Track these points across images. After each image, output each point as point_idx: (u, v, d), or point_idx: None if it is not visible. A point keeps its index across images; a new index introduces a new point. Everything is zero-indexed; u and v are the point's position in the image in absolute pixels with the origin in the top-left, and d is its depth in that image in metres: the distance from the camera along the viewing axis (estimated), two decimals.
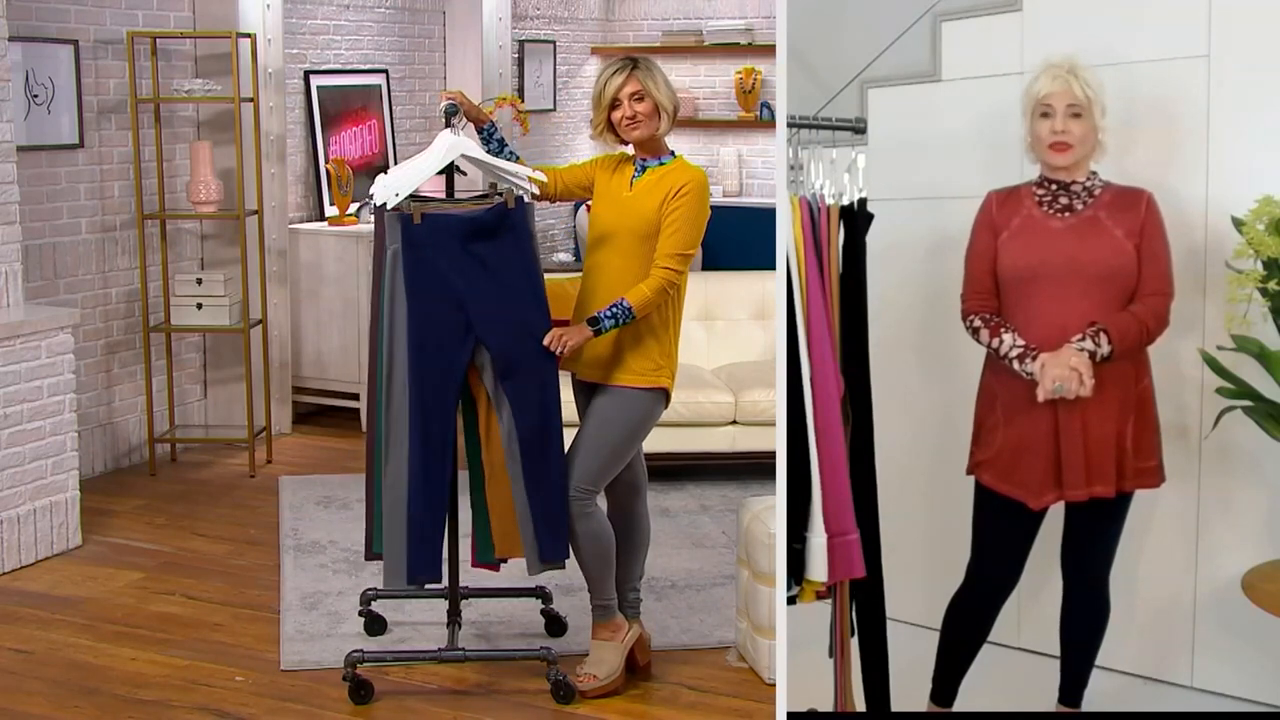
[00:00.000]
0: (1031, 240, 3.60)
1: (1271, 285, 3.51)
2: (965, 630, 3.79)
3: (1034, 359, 3.53)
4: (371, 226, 7.04)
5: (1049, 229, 3.60)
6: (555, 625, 4.68)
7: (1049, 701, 3.84)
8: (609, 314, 4.02)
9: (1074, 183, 3.62)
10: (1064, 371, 3.48)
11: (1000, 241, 3.63)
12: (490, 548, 4.28)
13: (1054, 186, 3.63)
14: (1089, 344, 3.50)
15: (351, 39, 7.88)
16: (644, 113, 4.08)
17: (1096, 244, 3.55)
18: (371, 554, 4.34)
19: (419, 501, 4.06)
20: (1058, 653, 3.88)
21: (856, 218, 3.51)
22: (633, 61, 4.11)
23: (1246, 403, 3.62)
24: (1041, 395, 3.51)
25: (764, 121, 9.73)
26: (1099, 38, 3.78)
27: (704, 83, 9.99)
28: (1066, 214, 3.61)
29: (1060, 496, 3.62)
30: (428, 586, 4.21)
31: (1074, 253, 3.56)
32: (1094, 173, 3.63)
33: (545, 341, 4.04)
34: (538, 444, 4.07)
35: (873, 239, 3.51)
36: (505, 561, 4.30)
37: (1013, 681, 4.03)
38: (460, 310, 4.06)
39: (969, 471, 3.74)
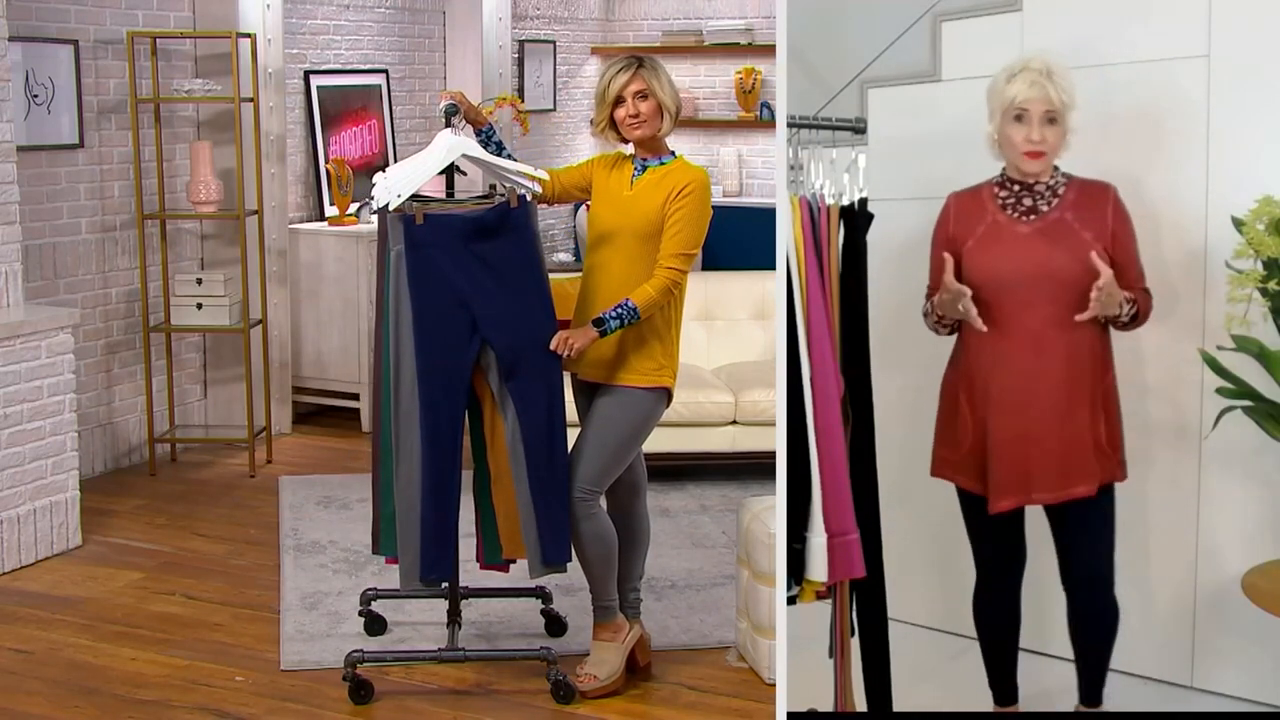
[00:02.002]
0: (1000, 249, 3.57)
1: (1271, 285, 3.50)
2: (994, 623, 3.78)
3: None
4: (371, 226, 7.10)
5: (1016, 235, 3.57)
6: (555, 625, 4.68)
7: (1049, 701, 3.84)
8: (614, 315, 4.01)
9: (1038, 182, 3.60)
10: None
11: (966, 250, 3.60)
12: (498, 549, 4.29)
13: (1017, 187, 3.61)
14: (1126, 307, 3.50)
15: (351, 39, 7.88)
16: (647, 112, 4.08)
17: (1067, 252, 3.52)
18: (378, 551, 4.36)
19: (429, 502, 4.07)
20: (1056, 653, 3.88)
21: (856, 218, 3.51)
22: (638, 60, 4.11)
23: (1246, 403, 3.62)
24: None
25: (764, 121, 9.73)
26: (1098, 38, 3.78)
27: (704, 83, 9.99)
28: (1031, 216, 3.58)
29: (1028, 500, 3.61)
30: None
31: (1044, 260, 3.53)
32: (1055, 168, 3.60)
33: (551, 345, 4.04)
34: (543, 445, 4.08)
35: (873, 239, 3.51)
36: (514, 562, 4.31)
37: None
38: (465, 310, 4.06)
39: (934, 473, 3.75)
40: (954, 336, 3.73)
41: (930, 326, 3.72)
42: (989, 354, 3.61)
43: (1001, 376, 3.59)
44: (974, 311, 3.52)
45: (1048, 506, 3.63)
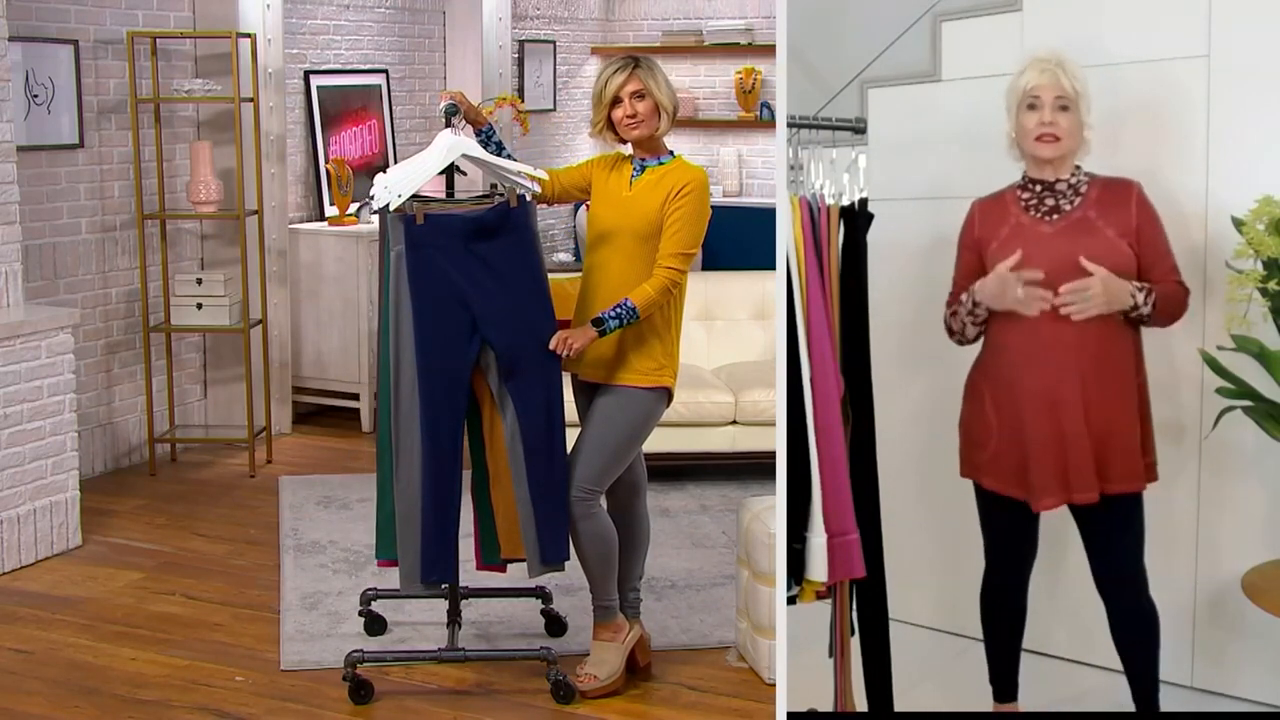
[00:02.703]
0: (1025, 250, 3.56)
1: (1271, 285, 3.50)
2: (1000, 616, 3.78)
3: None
4: (371, 226, 7.10)
5: (1040, 235, 3.57)
6: (555, 625, 4.68)
7: (1048, 702, 3.84)
8: (613, 314, 4.01)
9: (1059, 181, 3.60)
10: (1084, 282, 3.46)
11: (990, 252, 3.60)
12: (496, 550, 4.29)
13: (1039, 188, 3.61)
14: (1140, 296, 3.49)
15: (351, 39, 7.88)
16: (644, 112, 4.08)
17: (1092, 250, 3.52)
18: (379, 556, 4.36)
19: (429, 502, 4.07)
20: (1055, 653, 3.87)
21: (856, 218, 3.51)
22: (634, 60, 4.12)
23: (1246, 403, 3.62)
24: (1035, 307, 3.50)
25: (764, 121, 9.73)
26: (1098, 38, 3.78)
27: (704, 83, 9.99)
28: (1055, 216, 3.59)
29: (1067, 498, 3.60)
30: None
31: (1069, 259, 3.53)
32: (1077, 167, 3.61)
33: (551, 345, 4.04)
34: (542, 444, 4.08)
35: (873, 239, 3.51)
36: (513, 562, 4.30)
37: None
38: (465, 310, 4.06)
39: (963, 474, 3.74)
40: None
41: (956, 329, 3.69)
42: (1017, 354, 3.59)
43: (1032, 376, 3.57)
44: (1036, 294, 3.51)
45: (1075, 508, 3.62)
